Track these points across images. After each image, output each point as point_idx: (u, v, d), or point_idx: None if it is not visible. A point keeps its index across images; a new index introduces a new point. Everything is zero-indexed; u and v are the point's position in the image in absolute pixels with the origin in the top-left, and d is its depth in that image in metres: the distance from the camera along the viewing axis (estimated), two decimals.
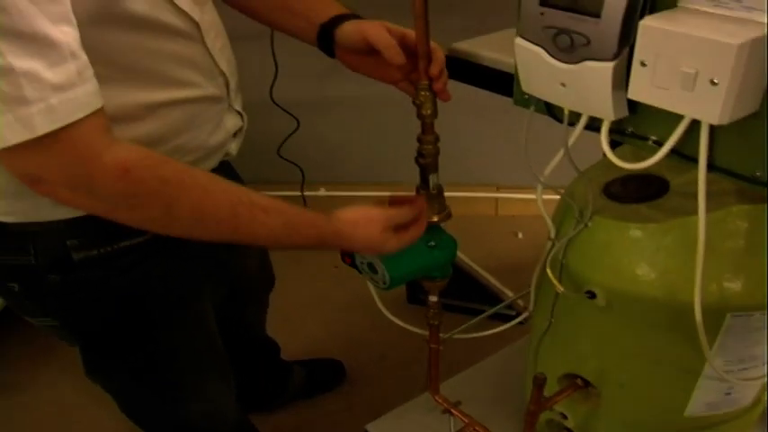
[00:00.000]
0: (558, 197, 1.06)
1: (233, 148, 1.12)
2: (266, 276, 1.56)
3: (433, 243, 1.05)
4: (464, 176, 2.60)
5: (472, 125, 2.37)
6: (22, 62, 0.70)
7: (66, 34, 0.74)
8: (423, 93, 0.96)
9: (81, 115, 0.75)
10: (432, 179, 1.02)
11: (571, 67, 0.76)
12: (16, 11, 0.68)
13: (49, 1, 0.71)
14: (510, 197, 2.74)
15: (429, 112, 0.97)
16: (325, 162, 2.61)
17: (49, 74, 0.72)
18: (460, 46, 1.00)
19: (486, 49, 0.99)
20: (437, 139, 0.99)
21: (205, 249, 0.97)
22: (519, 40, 0.80)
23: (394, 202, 1.03)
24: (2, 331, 2.25)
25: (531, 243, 2.63)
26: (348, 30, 1.04)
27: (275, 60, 2.19)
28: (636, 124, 0.80)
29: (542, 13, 0.76)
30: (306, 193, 2.63)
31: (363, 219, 0.97)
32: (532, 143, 0.90)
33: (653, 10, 0.71)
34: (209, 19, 1.00)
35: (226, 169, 1.14)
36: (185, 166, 0.87)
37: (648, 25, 0.68)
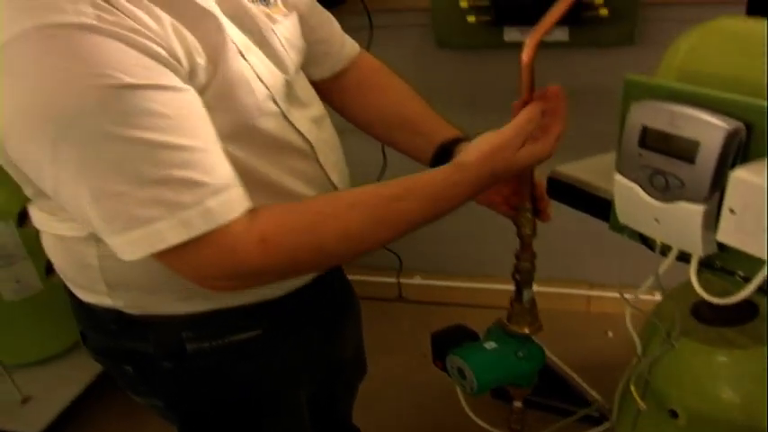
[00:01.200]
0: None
1: None
2: (360, 364, 1.58)
3: (521, 354, 1.11)
4: (557, 272, 2.63)
5: (566, 222, 2.41)
6: (181, 171, 0.79)
7: (216, 144, 0.84)
8: (524, 215, 1.04)
9: (235, 215, 0.82)
10: (526, 293, 1.08)
11: (665, 205, 0.83)
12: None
13: (207, 124, 0.83)
14: (602, 295, 2.74)
15: (529, 232, 1.04)
16: (423, 251, 2.68)
17: (206, 178, 0.80)
18: (561, 169, 1.08)
19: (585, 173, 1.06)
20: (534, 256, 1.06)
21: (309, 340, 1.04)
22: (618, 176, 0.87)
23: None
24: (101, 403, 2.34)
25: (622, 342, 2.60)
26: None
27: (384, 153, 2.30)
28: (724, 259, 0.85)
29: (640, 154, 0.83)
30: (401, 280, 2.71)
31: (493, 149, 0.96)
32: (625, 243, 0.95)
33: (745, 158, 0.77)
34: (325, 137, 1.09)
35: (335, 274, 1.21)
36: (308, 205, 0.92)
37: (739, 177, 0.74)
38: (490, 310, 2.33)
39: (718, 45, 0.96)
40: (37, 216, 1.02)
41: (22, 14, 0.73)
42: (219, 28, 0.89)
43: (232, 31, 0.92)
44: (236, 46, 0.92)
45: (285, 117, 1.00)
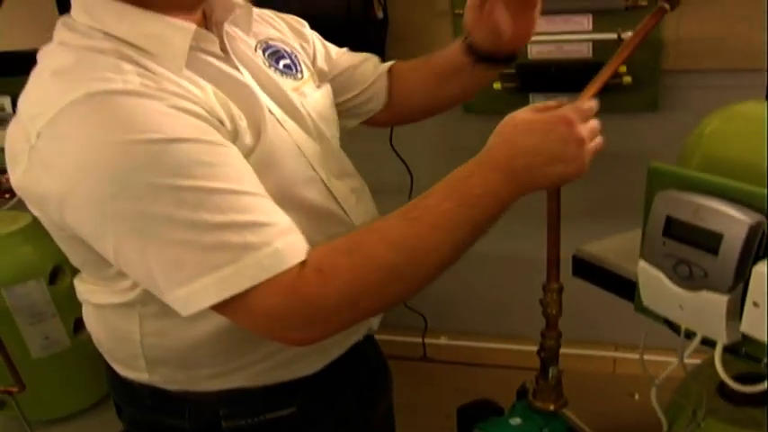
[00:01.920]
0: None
1: (375, 323, 1.20)
2: (389, 427, 1.54)
3: (546, 430, 1.11)
4: (582, 333, 2.61)
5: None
6: (243, 215, 0.79)
7: (265, 192, 0.85)
8: (550, 295, 1.05)
9: (302, 256, 0.82)
10: (551, 371, 1.09)
11: (689, 293, 0.84)
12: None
13: (252, 175, 0.84)
14: (628, 357, 2.72)
15: (555, 312, 1.06)
16: (448, 312, 2.69)
17: (270, 220, 0.81)
18: (587, 248, 1.10)
19: (610, 252, 1.07)
20: (560, 335, 1.07)
21: (343, 411, 1.05)
22: (642, 263, 0.89)
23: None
24: None
25: (649, 405, 2.58)
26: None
27: None
28: (750, 346, 0.86)
29: (665, 243, 0.85)
30: (426, 340, 2.72)
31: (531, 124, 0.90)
32: None
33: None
34: (364, 208, 1.11)
35: (370, 341, 1.22)
36: (355, 236, 0.88)
37: (761, 272, 0.75)
38: (515, 371, 2.34)
39: (741, 131, 0.98)
40: (81, 288, 1.05)
41: (72, 86, 0.78)
42: (257, 99, 0.93)
43: (268, 103, 0.96)
44: (274, 116, 0.96)
45: (325, 185, 1.02)
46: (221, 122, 0.86)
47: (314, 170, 1.00)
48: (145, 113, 0.77)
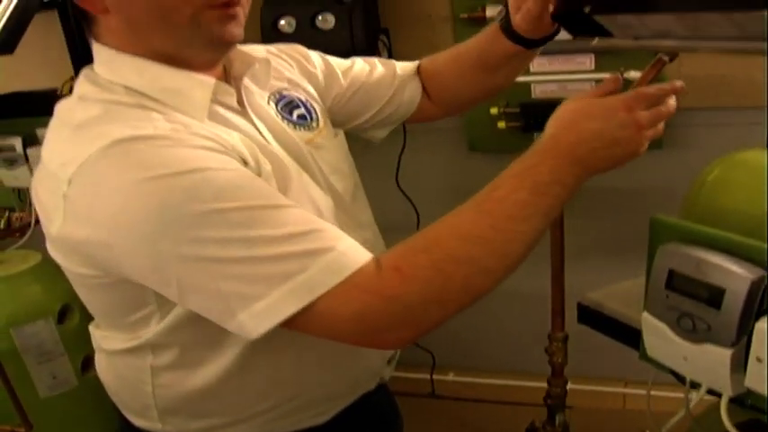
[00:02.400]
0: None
1: (387, 373, 1.20)
2: None
3: None
4: (591, 370, 2.61)
5: None
6: (298, 226, 0.80)
7: None
8: (556, 344, 1.06)
9: (367, 255, 0.82)
10: (558, 417, 1.09)
11: (693, 346, 0.84)
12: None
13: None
14: (638, 393, 2.70)
15: (560, 360, 1.06)
16: (456, 348, 2.69)
17: (325, 226, 0.82)
18: (591, 296, 1.10)
19: (615, 301, 1.08)
20: (566, 382, 1.07)
21: None
22: (646, 314, 0.89)
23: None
24: None
25: None
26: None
27: None
28: (755, 398, 0.86)
29: (668, 296, 0.85)
30: (435, 377, 2.71)
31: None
32: None
33: None
34: None
35: (382, 391, 1.21)
36: (429, 232, 0.85)
37: (763, 329, 0.76)
38: (524, 408, 2.33)
39: (743, 180, 0.99)
40: (96, 334, 1.06)
41: (102, 133, 0.80)
42: (281, 160, 0.96)
43: (283, 157, 0.98)
44: (290, 169, 0.97)
45: None
46: (246, 162, 0.87)
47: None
48: (177, 151, 0.80)
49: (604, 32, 0.94)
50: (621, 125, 0.87)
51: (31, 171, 2.17)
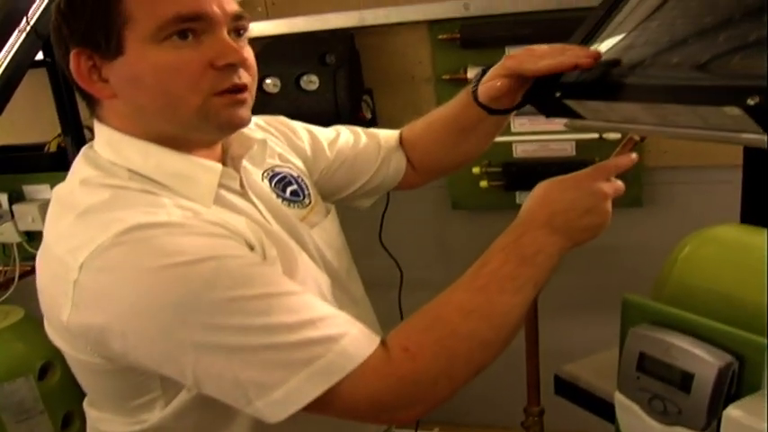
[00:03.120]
0: None
1: None
2: None
3: None
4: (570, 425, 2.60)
5: None
6: (310, 312, 0.82)
7: None
8: (531, 418, 1.07)
9: (378, 338, 0.84)
10: None
11: (665, 428, 0.85)
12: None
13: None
14: None
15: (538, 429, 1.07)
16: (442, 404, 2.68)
17: (335, 312, 0.84)
18: (567, 369, 1.11)
19: (592, 373, 1.09)
20: None
21: None
22: (618, 395, 0.90)
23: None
24: None
25: None
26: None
27: (400, 308, 2.33)
28: None
29: (639, 377, 0.86)
30: None
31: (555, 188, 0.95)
32: None
33: (739, 388, 0.79)
34: None
35: None
36: (429, 311, 0.89)
37: (731, 416, 0.76)
38: None
39: (714, 258, 1.00)
40: (93, 415, 1.03)
41: (113, 218, 0.80)
42: (285, 242, 0.98)
43: (286, 237, 0.99)
44: (293, 250, 0.99)
45: None
46: (252, 247, 0.89)
47: (326, 301, 1.01)
48: (191, 239, 0.80)
49: (575, 114, 0.96)
50: (590, 193, 0.93)
51: (16, 227, 2.19)
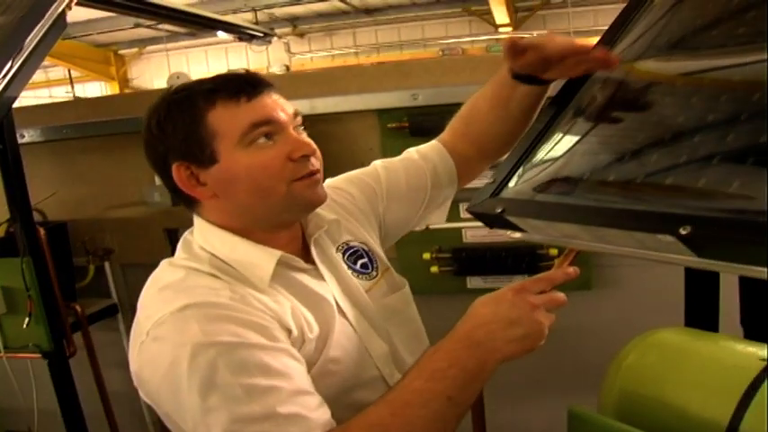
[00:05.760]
0: None
1: None
2: None
3: None
4: None
5: None
6: (287, 408, 0.90)
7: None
8: None
9: None
10: None
11: None
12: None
13: (302, 373, 0.96)
14: None
15: None
16: None
17: (314, 415, 0.92)
18: None
19: None
20: None
21: None
22: None
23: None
24: None
25: None
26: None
27: None
28: None
29: None
30: None
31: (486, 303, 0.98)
32: None
33: None
34: None
35: None
36: (348, 423, 0.95)
37: None
38: None
39: (657, 364, 1.02)
40: None
41: (176, 297, 0.96)
42: (333, 312, 1.07)
43: (347, 308, 1.09)
44: (350, 323, 1.09)
45: (386, 383, 1.08)
46: (289, 331, 0.99)
47: (378, 369, 1.10)
48: (220, 325, 0.93)
49: (518, 228, 0.98)
50: (512, 305, 0.95)
51: None
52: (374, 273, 1.20)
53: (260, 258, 1.05)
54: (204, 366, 0.90)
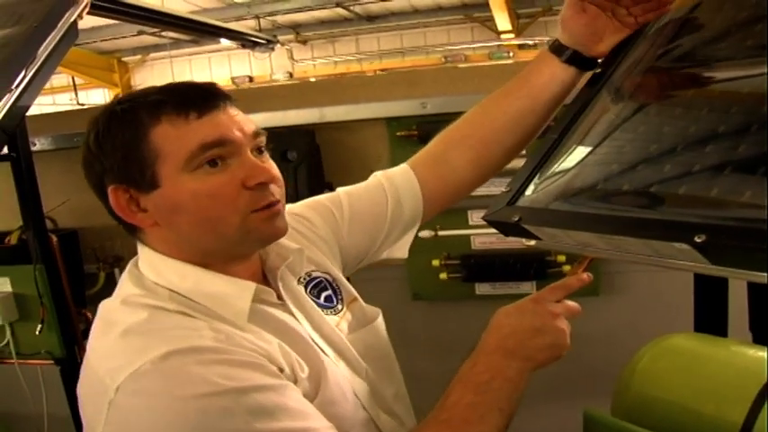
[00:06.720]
0: None
1: None
2: None
3: None
4: None
5: None
6: None
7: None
8: None
9: None
10: None
11: None
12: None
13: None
14: None
15: None
16: None
17: None
18: None
19: None
20: None
21: None
22: None
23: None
24: None
25: None
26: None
27: None
28: None
29: None
30: None
31: (509, 313, 0.99)
32: None
33: None
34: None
35: None
36: None
37: None
38: None
39: (671, 369, 1.04)
40: None
41: (151, 342, 0.83)
42: (316, 350, 0.98)
43: (323, 346, 1.00)
44: (330, 359, 0.99)
45: (375, 424, 1.03)
46: (281, 370, 0.90)
47: (365, 410, 1.02)
48: (218, 369, 0.82)
49: (533, 236, 1.00)
50: (534, 314, 0.97)
51: None
52: (339, 306, 1.11)
53: (232, 291, 0.94)
54: (216, 417, 0.81)
